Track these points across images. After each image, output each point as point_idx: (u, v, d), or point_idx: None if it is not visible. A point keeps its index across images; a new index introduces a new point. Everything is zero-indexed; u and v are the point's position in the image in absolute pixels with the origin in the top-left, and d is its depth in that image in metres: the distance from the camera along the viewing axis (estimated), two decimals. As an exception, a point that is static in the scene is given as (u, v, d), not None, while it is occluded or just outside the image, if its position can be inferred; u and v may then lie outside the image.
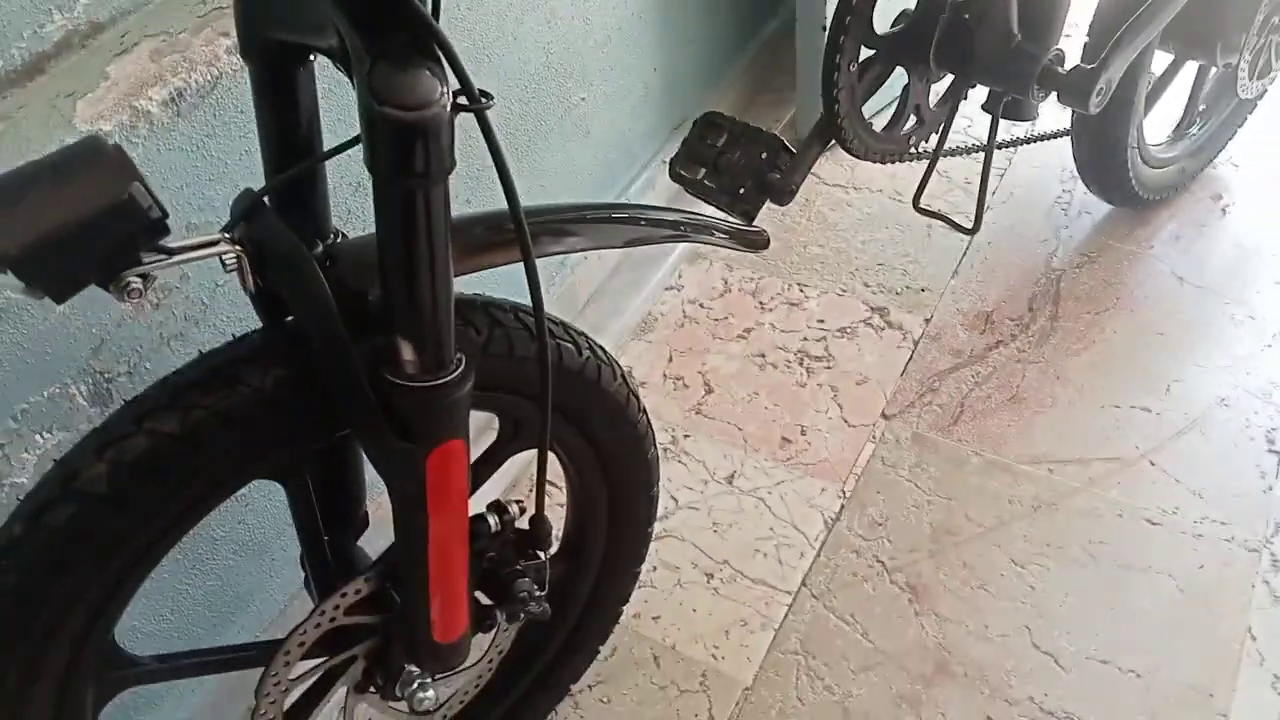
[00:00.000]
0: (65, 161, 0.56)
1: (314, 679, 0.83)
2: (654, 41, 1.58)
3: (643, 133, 1.63)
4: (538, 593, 0.84)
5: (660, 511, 1.08)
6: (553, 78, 1.37)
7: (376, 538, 0.88)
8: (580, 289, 1.56)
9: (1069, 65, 1.25)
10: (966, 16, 1.21)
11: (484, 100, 0.61)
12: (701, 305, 1.63)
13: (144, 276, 0.60)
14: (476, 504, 0.80)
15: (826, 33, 1.17)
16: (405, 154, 0.57)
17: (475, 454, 0.78)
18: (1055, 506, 1.36)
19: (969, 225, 1.32)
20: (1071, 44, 1.24)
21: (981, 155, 1.41)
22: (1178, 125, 1.71)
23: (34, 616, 0.63)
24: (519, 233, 0.68)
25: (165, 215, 0.59)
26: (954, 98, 1.31)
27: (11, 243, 0.52)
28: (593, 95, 1.47)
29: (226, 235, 0.65)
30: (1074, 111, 1.55)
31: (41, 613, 0.63)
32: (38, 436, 0.81)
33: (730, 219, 1.10)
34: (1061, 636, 1.23)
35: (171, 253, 0.61)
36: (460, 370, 0.67)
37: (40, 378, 0.80)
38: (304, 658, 0.79)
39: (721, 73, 1.82)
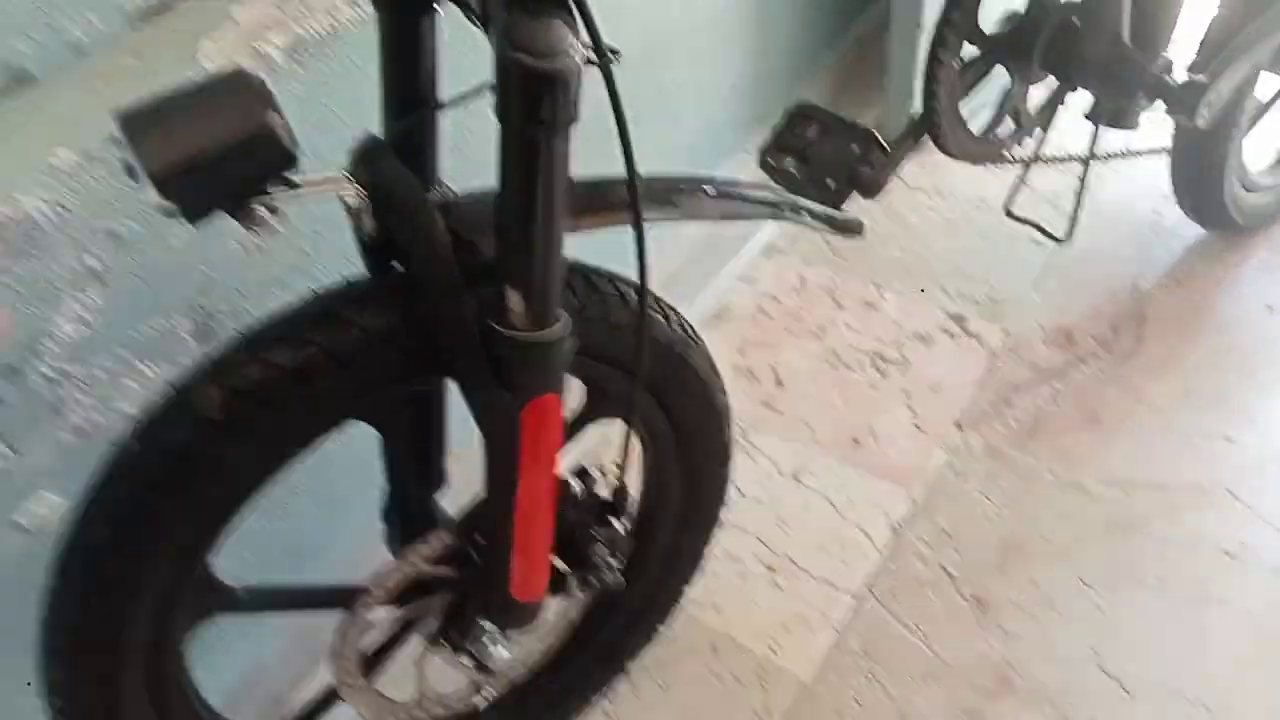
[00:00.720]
0: (211, 89, 0.57)
1: (392, 626, 0.84)
2: (748, 32, 1.57)
3: (730, 121, 1.63)
4: (613, 562, 0.85)
5: (727, 501, 1.08)
6: (647, 58, 1.37)
7: (455, 497, 0.89)
8: (657, 273, 1.54)
9: (1176, 77, 1.22)
10: (1075, 20, 1.20)
11: (611, 56, 0.62)
12: (776, 299, 1.62)
13: (270, 208, 0.61)
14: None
15: (932, 28, 1.16)
16: (534, 100, 0.58)
17: (562, 418, 0.78)
18: (1130, 530, 1.32)
19: (1061, 235, 1.30)
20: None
21: (1072, 167, 1.39)
22: None
23: (144, 530, 0.64)
24: (632, 193, 0.68)
25: (297, 148, 0.60)
26: (1054, 103, 1.29)
27: (157, 161, 0.53)
28: (685, 80, 1.47)
29: (349, 175, 0.66)
30: (1175, 129, 1.52)
31: (152, 527, 0.64)
32: (143, 366, 0.83)
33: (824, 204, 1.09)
34: (1130, 662, 1.20)
35: (297, 186, 0.62)
36: (563, 326, 0.67)
37: (150, 310, 0.82)
38: (384, 604, 0.80)
39: (810, 69, 1.82)
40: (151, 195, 0.54)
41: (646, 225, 0.71)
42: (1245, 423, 1.43)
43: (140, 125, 0.54)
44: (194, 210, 0.57)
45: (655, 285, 1.54)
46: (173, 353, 0.84)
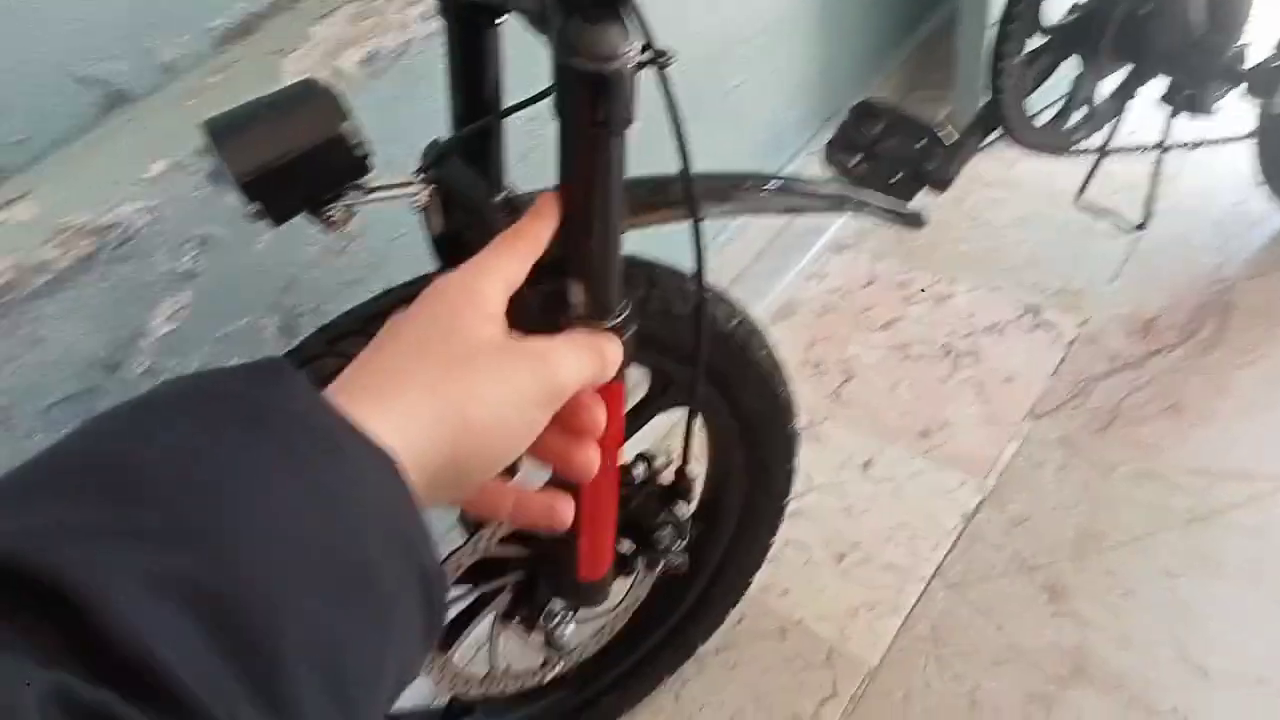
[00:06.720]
0: (285, 99, 0.62)
1: (466, 603, 0.88)
2: (812, 33, 1.59)
3: (794, 122, 1.64)
4: (677, 544, 0.87)
5: (794, 490, 1.09)
6: (711, 61, 1.39)
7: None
8: (725, 270, 1.58)
9: (1256, 59, 1.20)
10: (1144, 6, 1.18)
11: (664, 57, 0.64)
12: (845, 295, 1.63)
13: (347, 211, 0.66)
14: (623, 457, 0.83)
15: (998, 21, 1.16)
16: (592, 102, 0.61)
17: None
18: (1212, 520, 1.29)
19: (1136, 222, 1.28)
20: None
21: (1145, 157, 1.36)
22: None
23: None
24: (686, 189, 0.70)
25: (369, 154, 0.64)
26: (1127, 91, 1.27)
27: (244, 166, 0.58)
28: (748, 82, 1.49)
29: (419, 178, 0.71)
30: (1260, 112, 1.48)
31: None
32: (232, 359, 0.89)
33: (888, 197, 1.10)
34: (1212, 652, 1.17)
35: (370, 190, 0.67)
36: (625, 315, 0.70)
37: (238, 308, 0.88)
38: (458, 582, 0.84)
39: (877, 68, 1.82)
40: (237, 199, 0.59)
41: (704, 220, 0.73)
42: (1337, 412, 1.39)
43: (224, 132, 0.58)
44: (276, 212, 0.61)
45: (723, 282, 1.57)
46: (258, 348, 0.90)
